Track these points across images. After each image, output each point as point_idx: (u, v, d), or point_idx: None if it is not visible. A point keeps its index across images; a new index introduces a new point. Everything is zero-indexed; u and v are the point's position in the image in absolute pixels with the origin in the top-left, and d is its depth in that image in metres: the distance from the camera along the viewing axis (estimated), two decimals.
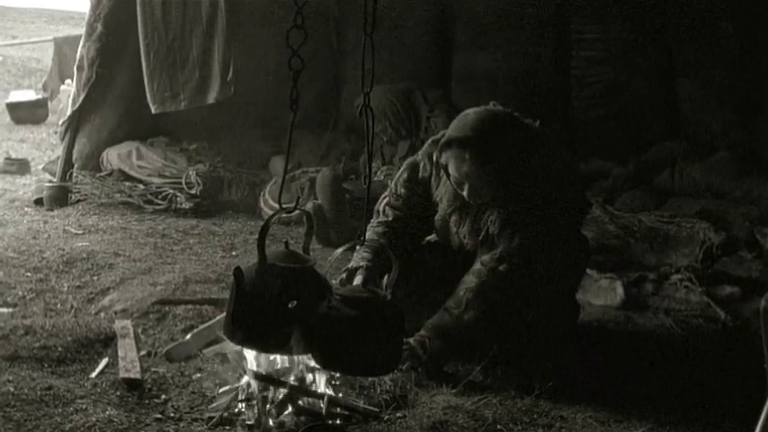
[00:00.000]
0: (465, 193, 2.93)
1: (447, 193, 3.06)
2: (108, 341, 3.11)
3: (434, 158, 3.05)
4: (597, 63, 5.79)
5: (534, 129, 3.03)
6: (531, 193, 2.91)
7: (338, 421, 2.58)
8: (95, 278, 3.82)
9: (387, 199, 3.24)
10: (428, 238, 3.28)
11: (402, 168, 3.26)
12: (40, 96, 7.93)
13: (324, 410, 2.57)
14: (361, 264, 2.93)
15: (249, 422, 2.55)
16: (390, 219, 3.17)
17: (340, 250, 2.64)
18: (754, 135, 5.41)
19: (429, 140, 3.21)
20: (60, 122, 5.56)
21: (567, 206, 2.98)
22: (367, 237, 3.05)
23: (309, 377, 2.67)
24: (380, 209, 3.24)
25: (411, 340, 2.90)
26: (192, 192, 5.05)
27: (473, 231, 3.03)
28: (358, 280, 2.86)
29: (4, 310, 3.45)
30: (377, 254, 2.98)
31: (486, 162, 2.84)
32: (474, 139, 2.84)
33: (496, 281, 2.88)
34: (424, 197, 3.16)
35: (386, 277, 2.85)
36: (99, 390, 2.76)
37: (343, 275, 2.97)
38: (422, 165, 3.16)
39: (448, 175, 2.96)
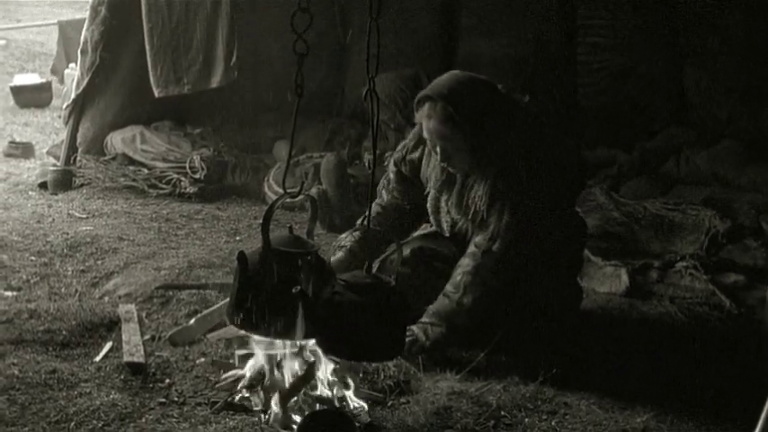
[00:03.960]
0: (438, 157, 2.93)
1: (435, 169, 3.06)
2: (112, 325, 3.12)
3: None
4: (604, 49, 5.76)
5: (520, 103, 3.02)
6: (516, 167, 2.88)
7: (343, 407, 2.58)
8: (99, 262, 3.83)
9: (385, 180, 3.29)
10: (424, 226, 3.28)
11: (396, 150, 3.29)
12: (44, 80, 7.91)
13: (329, 397, 2.58)
14: (344, 244, 3.05)
15: (256, 408, 2.55)
16: (384, 202, 3.24)
17: (344, 235, 2.63)
18: (760, 123, 5.39)
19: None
20: (64, 106, 5.54)
21: (558, 183, 2.96)
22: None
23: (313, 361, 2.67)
24: (378, 189, 3.29)
25: (414, 327, 2.90)
26: (197, 176, 5.04)
27: (461, 207, 3.01)
28: (338, 255, 3.01)
29: (9, 293, 3.46)
30: (364, 236, 3.06)
31: (449, 118, 2.83)
32: (442, 95, 2.85)
33: (491, 262, 2.88)
34: (413, 179, 3.18)
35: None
36: (103, 374, 2.76)
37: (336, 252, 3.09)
38: (411, 144, 3.18)
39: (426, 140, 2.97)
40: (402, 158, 3.22)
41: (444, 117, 2.84)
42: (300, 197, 2.50)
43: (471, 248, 2.95)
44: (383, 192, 3.27)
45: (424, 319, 2.93)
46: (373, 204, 3.18)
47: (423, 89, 3.00)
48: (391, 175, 3.26)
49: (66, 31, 8.05)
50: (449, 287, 2.93)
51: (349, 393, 2.62)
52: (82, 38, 5.30)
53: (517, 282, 2.94)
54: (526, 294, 2.98)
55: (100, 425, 2.45)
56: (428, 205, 3.17)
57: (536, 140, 2.95)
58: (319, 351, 2.53)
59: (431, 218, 3.21)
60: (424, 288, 3.06)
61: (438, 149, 2.92)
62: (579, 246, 3.21)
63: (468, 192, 2.98)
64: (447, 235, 3.15)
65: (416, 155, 3.17)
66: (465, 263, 2.93)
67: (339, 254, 3.07)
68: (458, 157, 2.92)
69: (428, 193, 3.15)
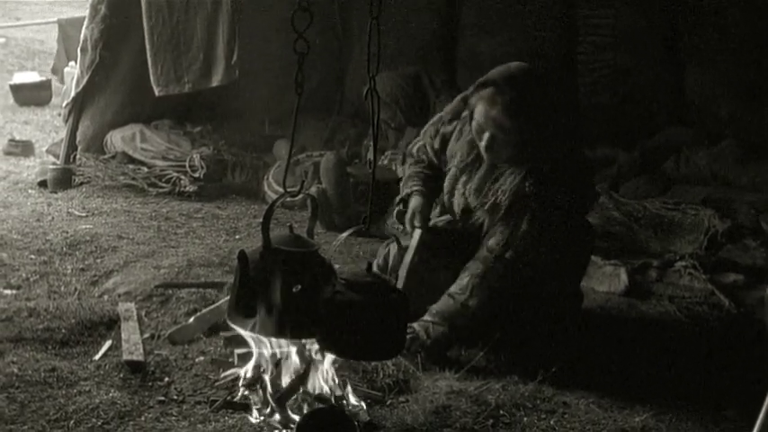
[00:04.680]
0: (483, 143, 2.87)
1: (462, 148, 3.02)
2: (111, 324, 3.12)
3: (460, 115, 3.04)
4: (604, 48, 5.75)
5: (577, 105, 3.03)
6: (546, 169, 2.86)
7: (342, 405, 2.58)
8: (99, 261, 3.83)
9: (417, 145, 3.27)
10: (434, 221, 3.27)
11: (431, 121, 3.24)
12: (44, 78, 7.91)
13: (328, 395, 2.58)
14: (414, 188, 3.06)
15: (255, 406, 2.55)
16: (425, 163, 3.23)
17: (344, 234, 2.64)
18: (760, 123, 5.39)
19: (459, 96, 3.15)
20: (64, 104, 5.54)
21: (577, 192, 2.95)
22: (409, 171, 3.20)
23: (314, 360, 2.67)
24: (413, 152, 3.27)
25: (415, 325, 2.89)
26: (196, 175, 5.04)
27: (479, 194, 2.98)
28: (415, 202, 3.01)
29: (8, 291, 3.46)
30: (425, 181, 3.11)
31: (515, 113, 2.78)
32: (512, 85, 2.79)
33: (502, 268, 2.86)
34: (443, 153, 3.15)
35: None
36: (102, 372, 2.76)
37: (399, 206, 3.08)
38: (447, 118, 3.14)
39: (472, 118, 2.90)
40: (436, 132, 3.17)
41: (510, 108, 2.77)
42: (300, 196, 2.50)
43: (483, 252, 2.92)
44: (423, 156, 3.23)
45: (427, 317, 2.92)
46: (415, 162, 3.21)
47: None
48: (429, 140, 3.20)
49: (66, 29, 8.05)
50: (454, 288, 2.91)
51: (348, 392, 2.62)
52: (82, 36, 5.30)
53: (525, 287, 2.92)
54: (531, 298, 2.96)
55: (99, 423, 2.45)
56: (445, 183, 3.12)
57: (570, 146, 2.96)
58: (319, 350, 2.53)
59: (444, 197, 3.15)
60: (431, 278, 3.04)
61: (486, 135, 2.85)
62: (587, 253, 3.20)
63: (491, 181, 2.95)
64: (456, 218, 3.12)
65: (449, 129, 3.12)
66: (474, 266, 2.91)
67: (416, 198, 3.08)
68: (502, 149, 2.87)
69: (448, 170, 3.10)
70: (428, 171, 3.20)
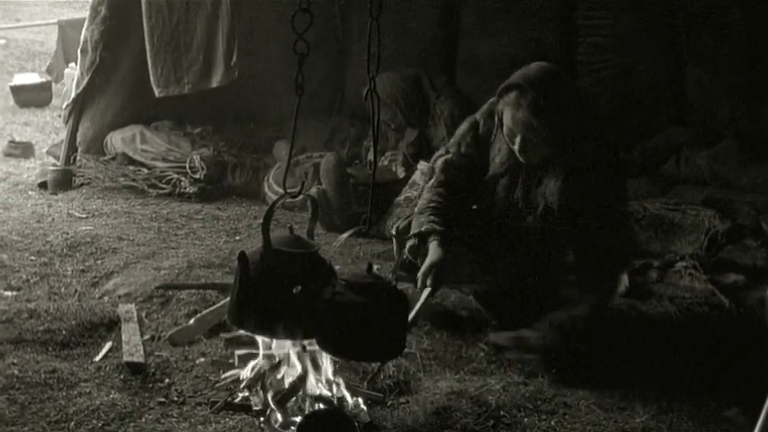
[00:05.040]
0: (516, 147, 2.88)
1: (501, 152, 3.01)
2: (112, 325, 3.12)
3: (495, 116, 3.00)
4: (604, 49, 5.75)
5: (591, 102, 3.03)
6: (588, 168, 2.87)
7: (342, 406, 2.58)
8: (99, 262, 3.83)
9: (445, 157, 3.16)
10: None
11: (464, 128, 3.18)
12: (44, 79, 7.91)
13: (329, 396, 2.58)
14: (433, 227, 2.94)
15: (255, 407, 2.55)
16: (450, 179, 3.12)
17: (344, 235, 2.64)
18: (760, 123, 5.38)
19: (488, 101, 3.13)
20: (64, 106, 5.54)
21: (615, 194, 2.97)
22: (427, 197, 3.06)
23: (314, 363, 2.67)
24: (438, 166, 3.16)
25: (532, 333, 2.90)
26: (196, 176, 5.04)
27: (527, 199, 2.99)
28: (435, 255, 2.88)
29: (9, 293, 3.46)
30: (443, 213, 2.99)
31: (540, 113, 2.79)
32: (534, 85, 2.80)
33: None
34: (483, 156, 3.10)
35: None
36: (103, 373, 2.76)
37: (413, 240, 2.97)
38: (481, 123, 3.11)
39: (502, 125, 2.91)
40: (477, 137, 3.12)
41: (535, 108, 2.79)
42: (300, 197, 2.50)
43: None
44: (449, 168, 3.13)
45: (543, 327, 2.91)
46: (437, 183, 3.10)
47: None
48: (466, 150, 3.14)
49: (66, 30, 8.04)
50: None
51: (348, 393, 2.62)
52: (82, 37, 5.30)
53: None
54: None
55: (99, 424, 2.45)
56: (485, 186, 3.10)
57: (604, 144, 2.97)
58: (318, 350, 2.53)
59: (482, 195, 3.13)
60: (457, 270, 3.04)
61: (518, 139, 2.86)
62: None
63: (534, 185, 2.97)
64: (495, 215, 3.10)
65: (485, 131, 3.10)
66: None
67: (434, 243, 2.95)
68: (536, 149, 2.88)
69: (488, 172, 3.08)
70: (447, 193, 3.09)
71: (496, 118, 2.99)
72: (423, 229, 2.96)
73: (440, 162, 3.16)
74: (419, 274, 2.92)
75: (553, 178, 2.92)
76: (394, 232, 3.25)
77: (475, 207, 3.19)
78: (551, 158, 2.92)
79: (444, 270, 2.91)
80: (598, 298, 2.96)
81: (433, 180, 3.13)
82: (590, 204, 2.88)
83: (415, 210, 3.14)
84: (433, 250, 2.93)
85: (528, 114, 2.81)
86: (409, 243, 3.00)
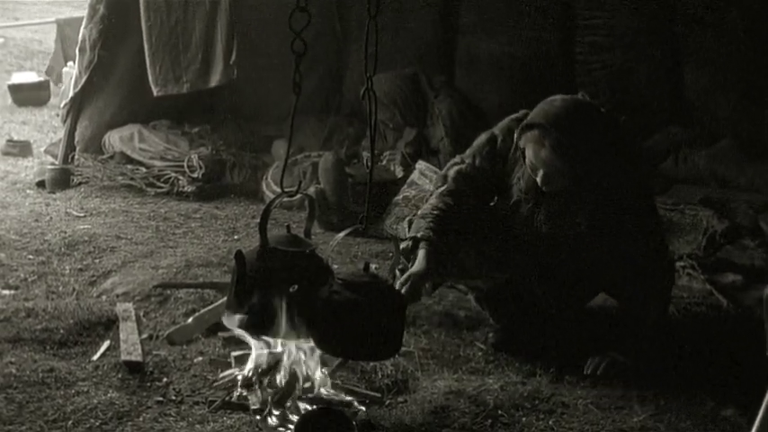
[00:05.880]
0: (538, 179, 2.87)
1: (526, 176, 2.98)
2: (109, 324, 3.12)
3: (514, 136, 2.96)
4: (602, 49, 5.75)
5: (620, 124, 3.01)
6: (613, 196, 2.89)
7: (340, 406, 2.58)
8: (97, 261, 3.82)
9: (459, 167, 3.11)
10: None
11: (481, 140, 3.12)
12: (42, 78, 7.90)
13: (326, 395, 2.58)
14: (427, 234, 2.89)
15: (254, 407, 2.55)
16: (460, 189, 3.06)
17: (342, 235, 2.62)
18: (760, 123, 5.38)
19: (508, 118, 3.10)
20: (62, 105, 5.54)
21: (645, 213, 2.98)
22: (433, 202, 3.02)
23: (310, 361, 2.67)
24: (450, 175, 3.11)
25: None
26: (194, 175, 5.03)
27: (550, 223, 2.98)
28: (418, 266, 2.83)
29: (6, 292, 3.46)
30: (443, 223, 2.94)
31: (564, 153, 2.77)
32: (556, 127, 2.76)
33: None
34: (498, 172, 3.07)
35: None
36: (100, 372, 2.76)
37: (408, 243, 2.94)
38: (500, 139, 3.07)
39: (524, 157, 2.89)
40: (495, 153, 3.08)
41: (559, 147, 2.76)
42: (298, 196, 2.50)
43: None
44: (460, 178, 3.07)
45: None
46: (447, 191, 3.05)
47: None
48: (481, 163, 3.08)
49: (65, 29, 8.02)
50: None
51: (346, 392, 2.62)
52: (80, 36, 5.29)
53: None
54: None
55: (97, 423, 2.45)
56: (507, 207, 3.08)
57: (634, 165, 2.99)
58: (315, 349, 2.53)
59: (504, 214, 3.11)
60: (455, 259, 3.01)
61: (540, 173, 2.84)
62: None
63: (561, 213, 2.96)
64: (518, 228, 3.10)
65: (504, 148, 3.06)
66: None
67: (421, 252, 2.88)
68: (558, 181, 2.87)
69: (512, 193, 3.06)
70: (453, 203, 3.04)
71: (516, 144, 2.95)
72: (418, 234, 2.92)
73: (453, 171, 3.11)
74: (397, 283, 2.83)
75: (578, 209, 2.92)
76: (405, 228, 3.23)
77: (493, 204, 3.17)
78: (576, 188, 2.90)
79: (422, 283, 2.85)
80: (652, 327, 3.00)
81: (443, 188, 3.08)
82: (625, 232, 2.90)
83: (418, 212, 3.10)
84: (419, 260, 2.87)
85: (551, 153, 2.78)
86: (403, 245, 2.97)
